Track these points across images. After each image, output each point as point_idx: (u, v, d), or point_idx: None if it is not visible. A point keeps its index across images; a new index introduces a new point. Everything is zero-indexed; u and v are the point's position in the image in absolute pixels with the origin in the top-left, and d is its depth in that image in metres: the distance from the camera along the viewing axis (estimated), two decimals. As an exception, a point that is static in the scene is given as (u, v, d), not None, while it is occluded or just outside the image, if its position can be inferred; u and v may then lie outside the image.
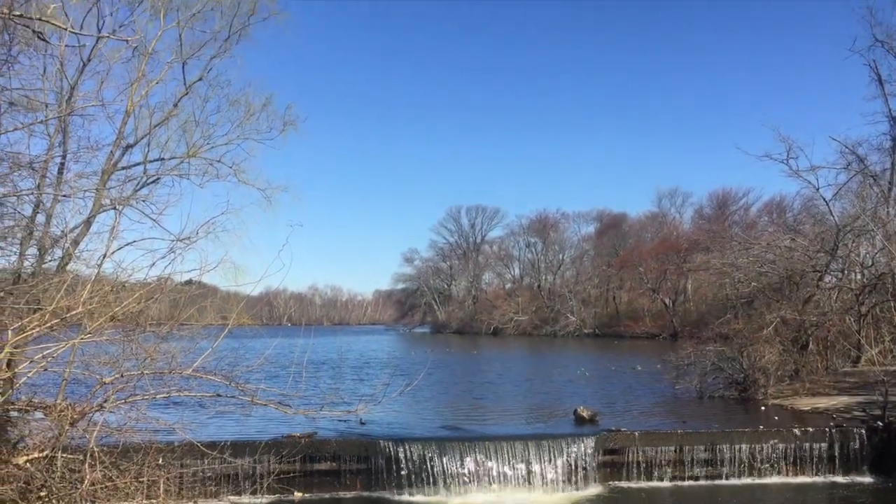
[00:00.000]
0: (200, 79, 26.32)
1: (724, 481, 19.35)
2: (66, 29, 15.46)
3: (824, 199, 35.22)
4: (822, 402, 24.72)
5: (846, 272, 33.21)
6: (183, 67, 25.91)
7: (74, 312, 11.00)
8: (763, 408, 25.01)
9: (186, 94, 25.88)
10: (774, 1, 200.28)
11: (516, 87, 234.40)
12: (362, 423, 20.35)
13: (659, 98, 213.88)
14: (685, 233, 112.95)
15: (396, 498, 17.62)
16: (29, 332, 10.84)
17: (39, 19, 12.99)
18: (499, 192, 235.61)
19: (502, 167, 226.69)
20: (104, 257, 15.26)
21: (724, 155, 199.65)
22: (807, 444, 19.95)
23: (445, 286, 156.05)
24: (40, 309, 11.67)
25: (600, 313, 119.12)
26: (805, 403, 25.03)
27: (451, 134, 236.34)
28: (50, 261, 20.09)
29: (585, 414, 22.06)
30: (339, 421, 19.81)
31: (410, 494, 17.70)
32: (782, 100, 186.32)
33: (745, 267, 35.09)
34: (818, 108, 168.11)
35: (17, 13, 12.32)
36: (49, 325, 10.95)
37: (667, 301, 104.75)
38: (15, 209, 18.49)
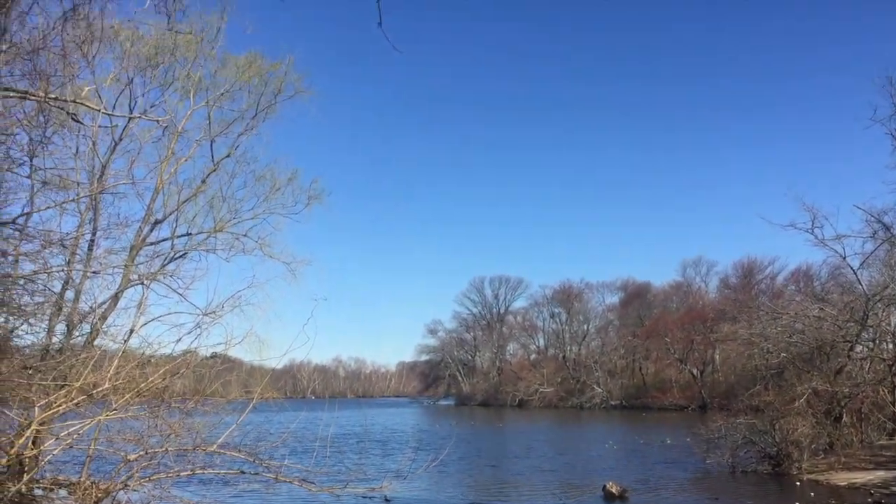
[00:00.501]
0: (228, 155, 26.88)
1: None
2: (99, 110, 15.97)
3: (851, 268, 34.82)
4: (859, 477, 24.00)
5: (877, 342, 32.58)
6: (211, 145, 26.52)
7: (101, 389, 11.05)
8: (798, 483, 24.31)
9: (214, 170, 26.41)
10: (795, 73, 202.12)
11: (539, 159, 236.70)
12: (387, 501, 20.00)
13: (680, 168, 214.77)
14: (711, 302, 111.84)
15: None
16: (55, 409, 10.87)
17: (74, 101, 13.43)
18: (522, 263, 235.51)
19: (525, 238, 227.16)
20: (131, 333, 15.39)
21: (748, 224, 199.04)
22: (845, 522, 19.30)
23: (469, 357, 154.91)
24: (67, 385, 11.72)
25: (627, 384, 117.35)
26: (841, 478, 24.30)
27: (474, 205, 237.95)
28: (78, 336, 20.25)
29: (615, 490, 21.55)
30: (364, 498, 19.48)
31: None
32: (805, 168, 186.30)
33: (773, 337, 34.56)
34: (841, 177, 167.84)
35: (53, 96, 12.73)
36: (75, 401, 10.98)
37: (694, 372, 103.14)
38: (45, 286, 18.73)
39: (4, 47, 11.78)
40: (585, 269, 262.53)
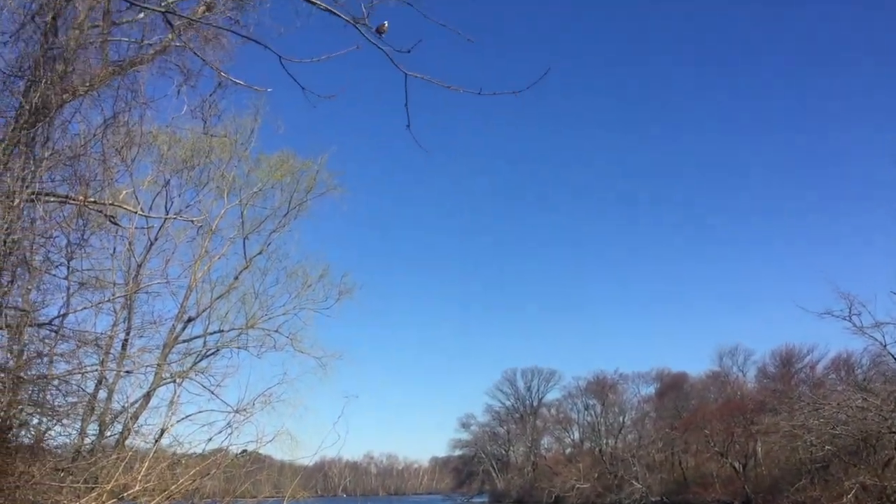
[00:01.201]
0: (260, 252, 27.32)
1: None
2: (136, 212, 16.38)
3: (893, 357, 34.01)
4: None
5: (926, 432, 31.48)
6: (244, 242, 27.00)
7: (131, 491, 10.97)
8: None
9: (247, 267, 26.79)
10: (826, 162, 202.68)
11: (569, 250, 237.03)
12: None
13: (711, 256, 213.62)
14: (750, 392, 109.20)
15: None
16: (85, 513, 10.79)
17: (112, 204, 13.82)
18: (554, 354, 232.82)
19: (557, 328, 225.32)
20: (162, 433, 15.36)
21: (784, 310, 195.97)
22: None
23: (503, 452, 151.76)
24: (98, 487, 11.66)
25: (666, 479, 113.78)
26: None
27: (505, 296, 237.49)
28: (109, 436, 20.24)
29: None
30: None
31: None
32: (839, 255, 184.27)
33: (816, 429, 33.57)
34: (876, 264, 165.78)
35: (92, 200, 13.13)
36: (105, 504, 10.90)
37: (736, 465, 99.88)
38: (79, 386, 18.83)
39: (47, 154, 12.22)
40: (619, 359, 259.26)
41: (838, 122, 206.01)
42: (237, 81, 11.40)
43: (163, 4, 10.77)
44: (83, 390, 19.25)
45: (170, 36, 11.61)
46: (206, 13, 12.99)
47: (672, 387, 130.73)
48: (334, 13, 6.22)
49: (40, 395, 14.63)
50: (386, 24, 7.68)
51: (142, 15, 12.42)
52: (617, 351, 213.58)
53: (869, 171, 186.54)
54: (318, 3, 6.86)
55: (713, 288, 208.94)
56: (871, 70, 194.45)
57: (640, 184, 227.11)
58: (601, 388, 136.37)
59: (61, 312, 15.68)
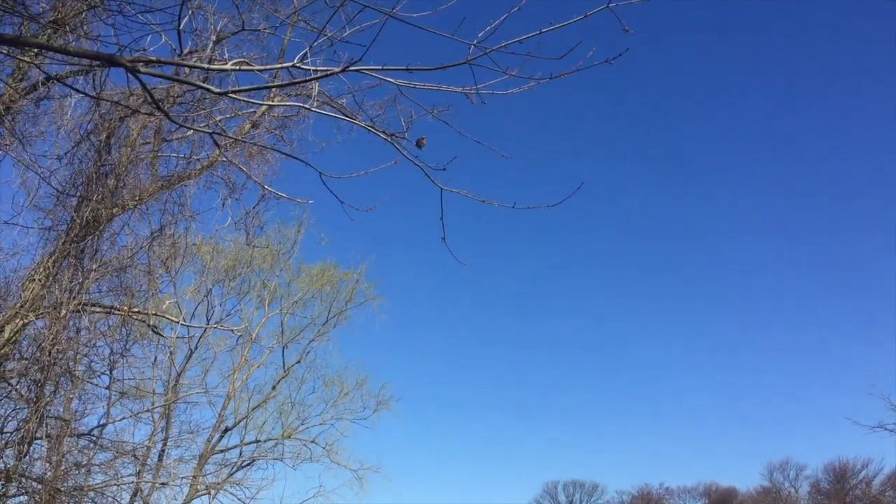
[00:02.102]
0: (299, 361, 27.38)
1: None
2: (178, 322, 16.63)
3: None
4: None
5: None
6: (283, 351, 27.12)
7: None
8: None
9: (285, 376, 26.83)
10: (866, 262, 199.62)
11: (603, 356, 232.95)
12: None
13: (759, 366, 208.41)
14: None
15: None
16: None
17: (156, 314, 14.06)
18: (597, 466, 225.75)
19: (599, 439, 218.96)
20: (195, 547, 15.08)
21: (835, 423, 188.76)
22: None
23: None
24: None
25: None
26: None
27: (544, 407, 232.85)
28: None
29: None
30: None
31: None
32: (887, 367, 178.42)
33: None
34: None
35: (136, 310, 13.38)
36: None
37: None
38: (114, 497, 18.71)
39: (95, 266, 12.56)
40: (664, 472, 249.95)
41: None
42: (280, 195, 11.65)
43: (210, 123, 11.24)
44: (118, 502, 19.12)
45: (216, 152, 12.05)
46: (252, 130, 13.54)
47: (721, 502, 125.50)
48: (373, 130, 6.43)
49: (76, 507, 14.53)
50: (424, 139, 7.90)
51: (191, 132, 12.95)
52: (662, 462, 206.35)
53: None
54: (357, 121, 7.11)
55: (761, 397, 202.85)
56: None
57: (679, 288, 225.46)
58: (647, 503, 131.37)
59: (101, 422, 15.75)
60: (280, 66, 6.21)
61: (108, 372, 16.04)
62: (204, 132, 10.25)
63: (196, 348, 23.77)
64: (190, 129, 10.62)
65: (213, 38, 11.00)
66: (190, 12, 11.49)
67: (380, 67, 5.72)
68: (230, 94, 5.67)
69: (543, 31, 5.51)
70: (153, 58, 5.26)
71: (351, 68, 5.59)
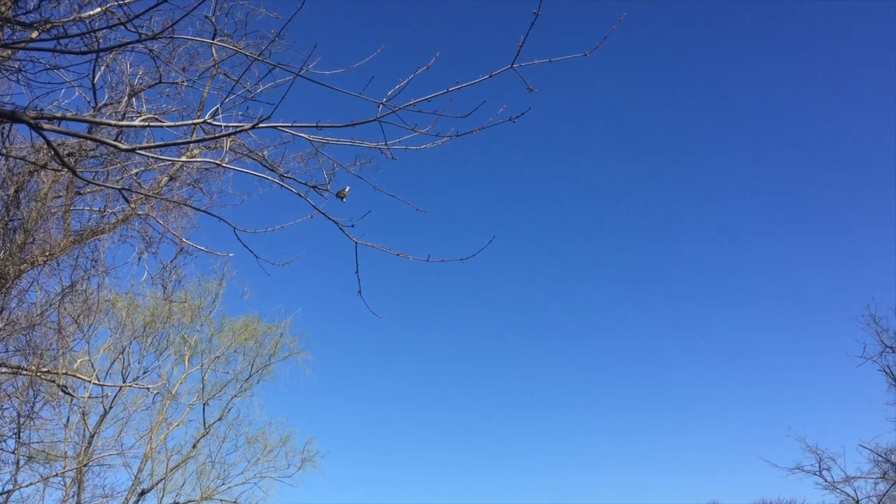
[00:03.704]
0: (220, 419, 26.75)
1: None
2: (91, 381, 16.14)
3: (869, 511, 33.41)
4: None
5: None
6: (204, 408, 26.47)
7: None
8: None
9: (206, 434, 26.14)
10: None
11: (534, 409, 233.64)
12: None
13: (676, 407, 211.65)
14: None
15: None
16: None
17: (66, 374, 13.64)
18: None
19: (538, 488, 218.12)
20: None
21: (755, 465, 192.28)
22: None
23: None
24: None
25: None
26: None
27: (486, 474, 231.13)
28: None
29: None
30: None
31: None
32: (803, 407, 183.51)
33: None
34: (842, 416, 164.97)
35: (45, 370, 12.96)
36: None
37: None
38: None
39: (1, 324, 12.15)
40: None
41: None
42: (199, 247, 11.59)
43: (125, 178, 11.12)
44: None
45: (131, 206, 11.89)
46: (170, 182, 13.40)
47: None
48: (285, 185, 6.50)
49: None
50: (347, 190, 7.97)
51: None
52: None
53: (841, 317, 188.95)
54: (271, 177, 7.18)
55: (680, 438, 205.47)
56: None
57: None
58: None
59: (6, 489, 15.11)
60: (190, 122, 6.25)
61: (14, 435, 15.45)
62: (112, 188, 10.12)
63: (111, 408, 23.05)
64: (98, 185, 10.47)
65: (128, 90, 10.94)
66: (104, 65, 11.44)
67: (290, 125, 5.82)
68: (139, 151, 5.67)
69: (450, 89, 5.71)
70: (57, 114, 5.25)
71: (261, 125, 5.67)
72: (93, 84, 10.89)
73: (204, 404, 26.68)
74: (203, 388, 26.94)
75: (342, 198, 7.95)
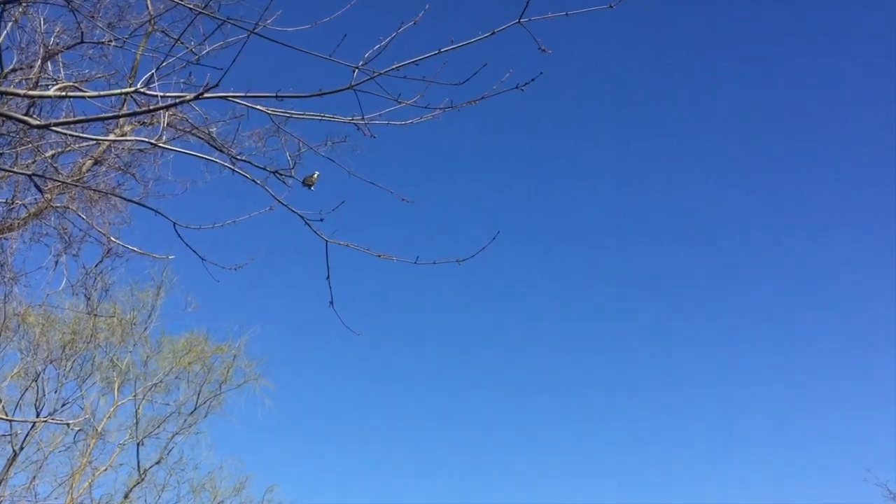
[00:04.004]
0: (159, 462, 26.75)
1: None
2: (-4, 416, 16.13)
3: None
4: None
5: None
6: (138, 449, 26.45)
7: None
8: None
9: (140, 481, 26.12)
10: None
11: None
12: None
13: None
14: None
15: None
16: None
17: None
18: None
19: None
20: None
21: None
22: None
23: None
24: None
25: None
26: None
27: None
28: None
29: None
30: None
31: None
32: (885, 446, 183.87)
33: None
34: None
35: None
36: None
37: None
38: None
39: None
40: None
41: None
42: (131, 248, 11.52)
43: (38, 161, 11.10)
44: None
45: (46, 197, 11.87)
46: (95, 167, 13.38)
47: None
48: (239, 171, 6.50)
49: None
50: (316, 176, 7.95)
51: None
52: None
53: None
54: (219, 159, 7.18)
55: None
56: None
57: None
58: None
59: None
60: (118, 92, 6.26)
61: None
62: (22, 174, 10.09)
63: (22, 448, 22.99)
64: (5, 171, 10.46)
65: (42, 52, 10.92)
66: (12, 21, 11.41)
67: (243, 94, 5.82)
68: (54, 128, 5.67)
69: (443, 50, 5.71)
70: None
71: (207, 94, 5.67)
72: (-3, 44, 10.87)
73: (138, 444, 26.68)
74: (137, 423, 26.94)
75: (310, 185, 7.94)
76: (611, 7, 5.74)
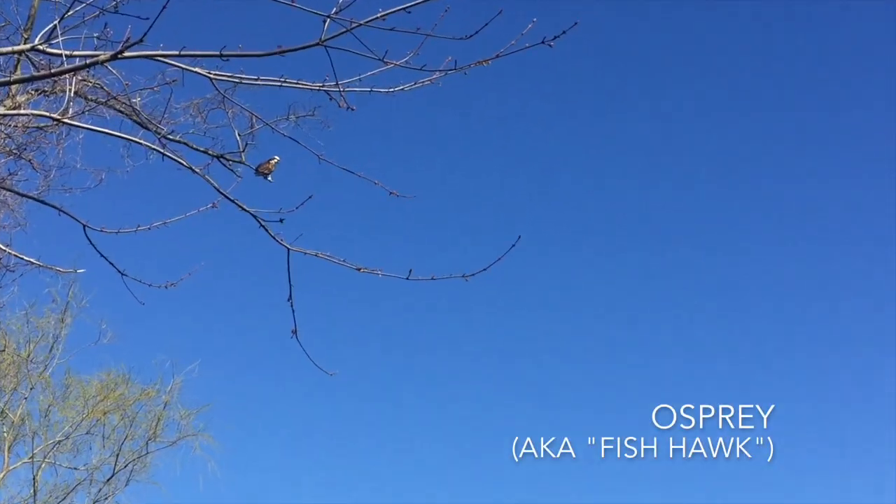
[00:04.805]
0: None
1: None
2: None
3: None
4: None
5: None
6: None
7: None
8: None
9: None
10: None
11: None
12: None
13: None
14: None
15: None
16: None
17: None
18: None
19: None
20: None
21: None
22: None
23: None
24: None
25: None
26: None
27: None
28: None
29: None
30: None
31: None
32: None
33: None
34: None
35: None
36: None
37: None
38: None
39: None
40: None
41: None
42: (26, 259, 11.52)
43: None
44: None
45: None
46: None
47: None
48: (170, 155, 6.52)
49: None
50: (274, 161, 7.92)
51: None
52: None
53: None
54: (151, 137, 7.20)
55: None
56: None
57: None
58: None
59: None
60: (9, 50, 6.26)
61: None
62: None
63: None
64: None
65: None
66: None
67: (176, 53, 5.79)
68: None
69: (441, -9, 5.66)
70: None
71: (128, 53, 5.66)
72: None
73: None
74: (35, 493, 26.93)
75: (266, 174, 7.91)
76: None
